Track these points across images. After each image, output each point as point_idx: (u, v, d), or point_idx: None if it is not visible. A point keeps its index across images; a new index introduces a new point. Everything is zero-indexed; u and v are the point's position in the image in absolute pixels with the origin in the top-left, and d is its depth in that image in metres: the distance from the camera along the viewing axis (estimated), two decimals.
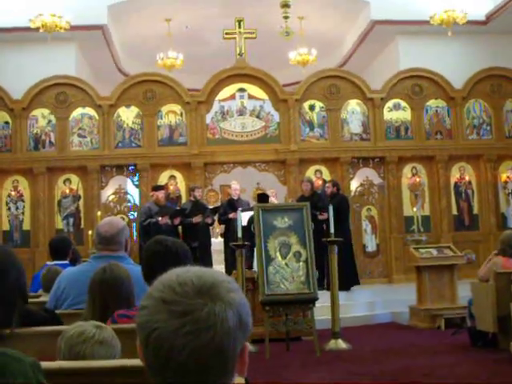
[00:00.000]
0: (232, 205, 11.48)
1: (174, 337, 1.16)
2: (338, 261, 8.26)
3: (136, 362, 1.97)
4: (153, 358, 1.20)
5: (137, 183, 12.89)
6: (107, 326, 2.46)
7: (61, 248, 5.91)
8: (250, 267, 9.68)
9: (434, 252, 10.22)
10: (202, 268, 1.28)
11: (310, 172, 12.94)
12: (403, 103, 13.32)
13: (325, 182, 12.50)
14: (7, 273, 2.73)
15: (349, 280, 10.89)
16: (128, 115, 12.88)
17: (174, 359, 1.17)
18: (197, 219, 11.00)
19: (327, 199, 11.04)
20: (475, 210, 13.35)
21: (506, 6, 12.98)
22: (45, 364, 1.60)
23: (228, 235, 11.40)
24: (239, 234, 8.18)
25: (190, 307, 1.18)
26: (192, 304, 1.18)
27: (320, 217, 10.42)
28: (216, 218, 11.73)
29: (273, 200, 11.80)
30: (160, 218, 10.81)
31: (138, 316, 1.24)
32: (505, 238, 7.63)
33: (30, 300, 3.56)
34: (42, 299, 4.71)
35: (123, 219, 11.62)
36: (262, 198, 10.57)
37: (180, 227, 11.17)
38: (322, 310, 8.73)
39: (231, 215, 11.15)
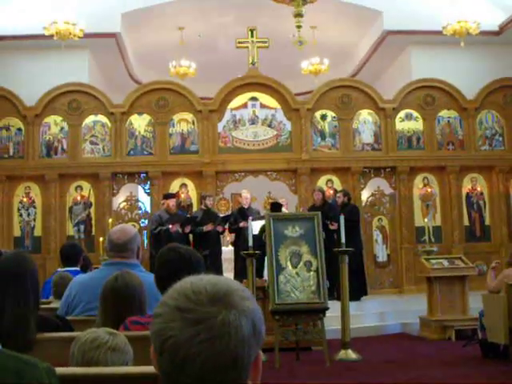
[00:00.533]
0: (242, 213, 11.47)
1: (189, 344, 1.16)
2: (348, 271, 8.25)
3: (148, 368, 1.98)
4: (168, 365, 1.20)
5: (148, 191, 12.91)
6: (120, 332, 2.46)
7: (72, 255, 5.94)
8: (261, 276, 9.66)
9: (445, 263, 10.18)
10: (215, 276, 1.28)
11: (322, 181, 12.92)
12: (415, 113, 13.28)
13: (336, 191, 12.46)
14: (24, 277, 2.75)
15: (359, 290, 10.87)
16: (140, 123, 12.91)
17: (189, 367, 1.17)
18: (208, 227, 11.01)
19: (338, 209, 11.03)
20: (487, 221, 13.28)
21: None
22: (58, 370, 1.61)
23: (238, 244, 11.40)
24: (250, 243, 8.18)
25: (204, 315, 1.18)
26: (206, 312, 1.18)
27: (331, 227, 10.41)
28: (227, 226, 11.73)
29: (284, 211, 11.77)
30: (170, 226, 10.83)
31: (152, 324, 1.24)
32: None
33: (42, 306, 3.58)
34: (52, 305, 4.73)
35: (134, 227, 11.64)
36: (275, 206, 10.56)
37: (191, 235, 11.18)
38: (332, 320, 8.70)
39: (242, 224, 11.13)
